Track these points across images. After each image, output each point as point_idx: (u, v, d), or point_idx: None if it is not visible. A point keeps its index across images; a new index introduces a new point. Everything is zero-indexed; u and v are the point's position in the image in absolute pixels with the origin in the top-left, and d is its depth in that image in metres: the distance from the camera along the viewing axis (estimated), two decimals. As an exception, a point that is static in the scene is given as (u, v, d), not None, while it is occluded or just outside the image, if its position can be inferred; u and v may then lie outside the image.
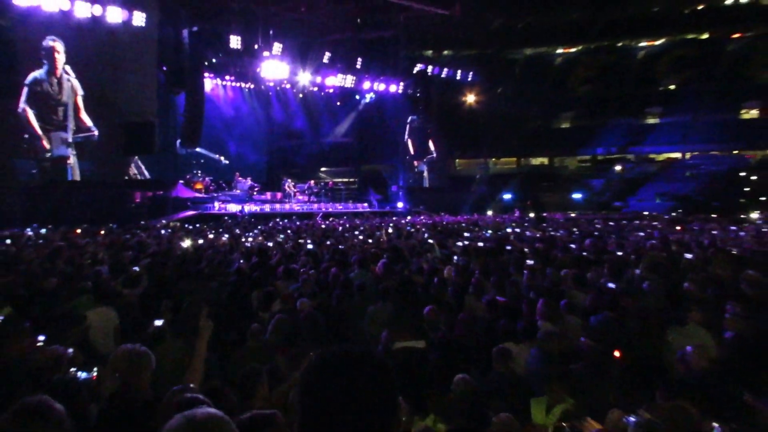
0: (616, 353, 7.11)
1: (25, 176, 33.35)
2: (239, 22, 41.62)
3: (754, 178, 51.52)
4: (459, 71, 55.80)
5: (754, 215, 37.29)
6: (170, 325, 7.79)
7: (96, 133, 34.67)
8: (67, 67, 33.93)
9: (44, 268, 12.31)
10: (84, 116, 34.46)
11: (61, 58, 33.57)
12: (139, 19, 33.70)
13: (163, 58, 36.14)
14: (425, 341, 7.61)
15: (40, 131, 33.41)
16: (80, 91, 34.22)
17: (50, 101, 33.75)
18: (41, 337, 6.09)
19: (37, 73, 33.34)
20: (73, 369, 4.90)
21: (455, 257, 14.56)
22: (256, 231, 25.89)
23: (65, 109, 34.02)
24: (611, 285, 10.27)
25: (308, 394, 1.75)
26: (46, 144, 33.71)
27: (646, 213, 42.53)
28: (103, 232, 23.94)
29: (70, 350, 5.66)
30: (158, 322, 7.56)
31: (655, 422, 4.40)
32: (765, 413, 5.86)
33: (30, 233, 22.86)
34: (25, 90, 32.99)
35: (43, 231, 23.78)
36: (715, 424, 5.00)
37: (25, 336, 6.15)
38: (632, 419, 4.40)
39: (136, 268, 12.03)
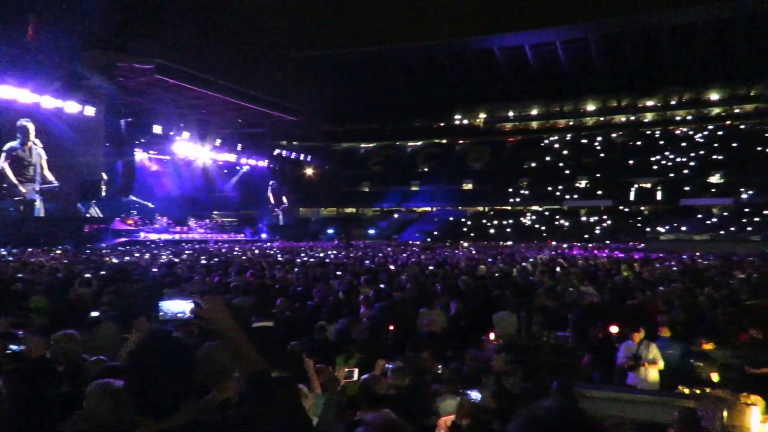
0: (391, 327, 7.21)
1: (6, 212, 30.13)
2: (161, 117, 39.98)
3: (468, 223, 54.57)
4: (302, 155, 56.27)
5: (466, 244, 39.40)
6: (105, 313, 7.19)
7: (57, 185, 31.83)
8: (37, 141, 31.00)
9: (14, 277, 11.05)
10: (47, 173, 31.56)
11: (30, 134, 30.60)
12: (90, 111, 31.42)
13: (107, 138, 33.87)
14: (275, 321, 7.42)
15: (16, 182, 30.44)
16: (44, 156, 31.31)
17: (23, 162, 30.79)
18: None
19: (13, 143, 30.37)
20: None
21: (296, 269, 14.35)
22: (168, 252, 24.48)
23: (34, 168, 31.07)
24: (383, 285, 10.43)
25: (136, 354, 1.73)
26: (20, 191, 30.69)
27: (410, 242, 43.87)
28: (59, 251, 21.78)
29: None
30: (95, 313, 6.98)
31: (404, 367, 4.45)
32: (473, 357, 6.13)
33: (4, 252, 20.44)
34: (4, 155, 30.09)
35: (14, 251, 21.27)
36: (440, 365, 5.16)
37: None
38: (391, 365, 4.42)
39: (89, 275, 11.07)
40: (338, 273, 12.47)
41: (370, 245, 38.04)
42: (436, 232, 51.11)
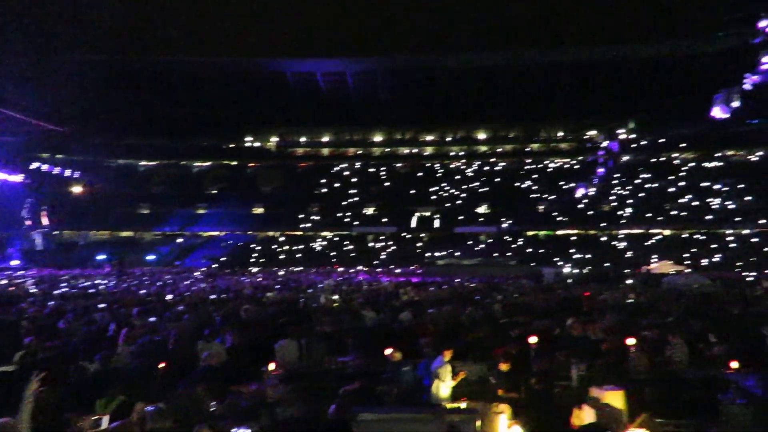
0: (161, 365, 6.74)
1: None
2: None
3: (258, 248, 53.98)
4: (69, 170, 50.69)
5: (254, 270, 38.90)
6: None
7: None
8: None
9: None
10: None
11: None
12: None
13: None
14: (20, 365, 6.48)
15: None
16: None
17: None
18: None
19: None
20: None
21: (51, 302, 12.71)
22: None
23: None
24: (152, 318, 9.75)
25: None
26: None
27: (194, 269, 41.66)
28: None
29: None
30: None
31: (165, 408, 4.12)
32: (250, 390, 6.00)
33: None
34: None
35: None
36: (214, 402, 4.94)
37: None
38: (151, 408, 4.08)
39: None
40: (100, 306, 11.35)
41: (149, 272, 35.55)
42: (223, 258, 49.47)
